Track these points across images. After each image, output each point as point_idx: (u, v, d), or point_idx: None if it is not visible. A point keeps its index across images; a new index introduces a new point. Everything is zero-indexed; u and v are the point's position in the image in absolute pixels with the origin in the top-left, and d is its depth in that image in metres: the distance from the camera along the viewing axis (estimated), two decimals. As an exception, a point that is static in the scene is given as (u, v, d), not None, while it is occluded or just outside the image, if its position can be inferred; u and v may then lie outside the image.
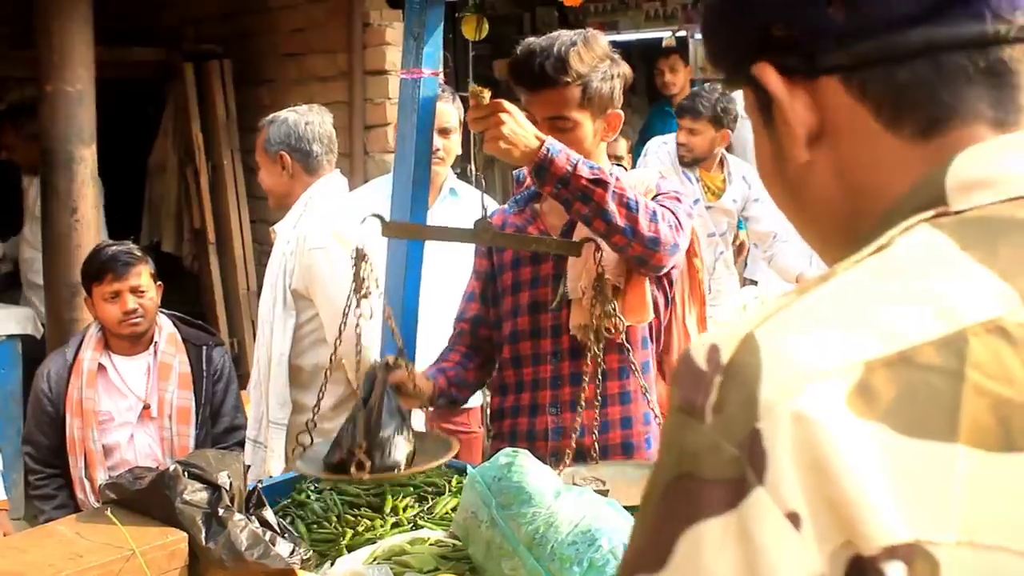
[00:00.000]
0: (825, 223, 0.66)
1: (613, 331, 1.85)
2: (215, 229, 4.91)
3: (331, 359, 1.96)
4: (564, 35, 1.93)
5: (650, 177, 2.01)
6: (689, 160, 4.02)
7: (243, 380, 2.94)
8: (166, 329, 2.84)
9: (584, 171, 1.76)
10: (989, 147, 0.59)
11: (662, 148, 4.11)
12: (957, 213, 0.57)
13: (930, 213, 0.57)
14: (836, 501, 0.48)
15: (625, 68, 1.97)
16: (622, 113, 1.97)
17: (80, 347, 2.80)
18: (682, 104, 4.05)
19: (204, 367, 2.84)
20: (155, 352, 2.81)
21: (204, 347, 2.87)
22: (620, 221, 1.77)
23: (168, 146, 5.08)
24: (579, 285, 1.91)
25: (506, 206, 2.16)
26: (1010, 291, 0.52)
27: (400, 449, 1.72)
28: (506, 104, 1.78)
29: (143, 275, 2.75)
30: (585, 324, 1.87)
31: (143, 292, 2.74)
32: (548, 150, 1.76)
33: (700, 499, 0.50)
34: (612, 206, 1.76)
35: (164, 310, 2.90)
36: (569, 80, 1.87)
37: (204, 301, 4.95)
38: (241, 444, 2.80)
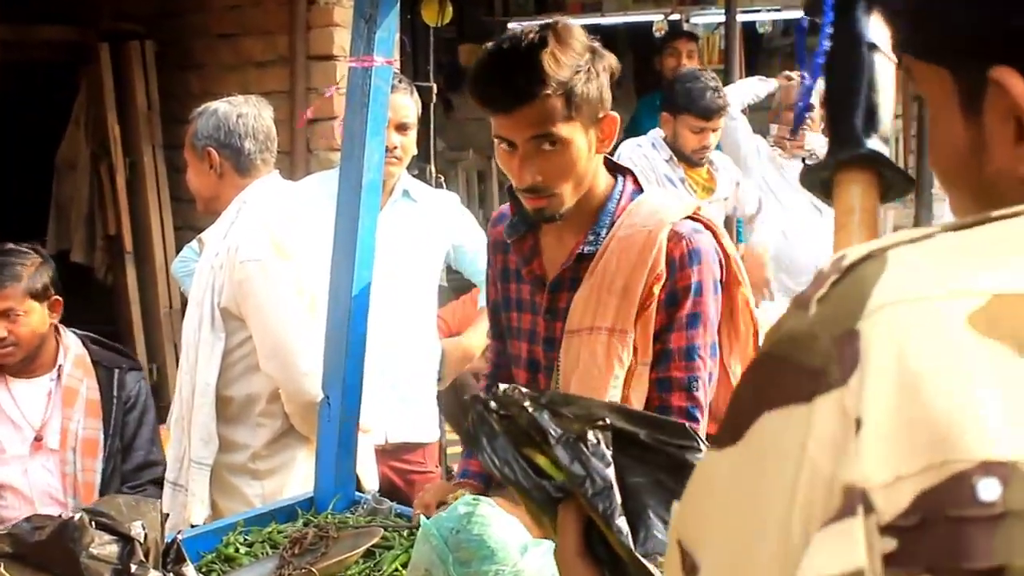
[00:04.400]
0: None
1: None
2: (132, 236, 4.89)
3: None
4: (528, 32, 1.77)
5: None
6: (706, 161, 4.11)
7: (163, 412, 2.91)
8: (73, 350, 2.84)
9: None
10: None
11: (637, 152, 4.08)
12: None
13: None
14: (924, 421, 0.52)
15: (611, 59, 1.81)
16: (616, 115, 1.82)
17: None
18: (705, 104, 3.94)
19: (115, 393, 2.84)
20: (59, 375, 2.81)
21: (116, 370, 2.87)
22: None
23: (80, 139, 5.05)
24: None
25: (507, 219, 1.96)
26: None
27: None
28: None
29: (13, 298, 2.71)
30: None
31: (16, 317, 2.72)
32: None
33: (784, 383, 0.57)
34: None
35: (75, 330, 2.85)
36: (548, 91, 1.70)
37: (119, 320, 4.94)
38: (156, 483, 2.79)
